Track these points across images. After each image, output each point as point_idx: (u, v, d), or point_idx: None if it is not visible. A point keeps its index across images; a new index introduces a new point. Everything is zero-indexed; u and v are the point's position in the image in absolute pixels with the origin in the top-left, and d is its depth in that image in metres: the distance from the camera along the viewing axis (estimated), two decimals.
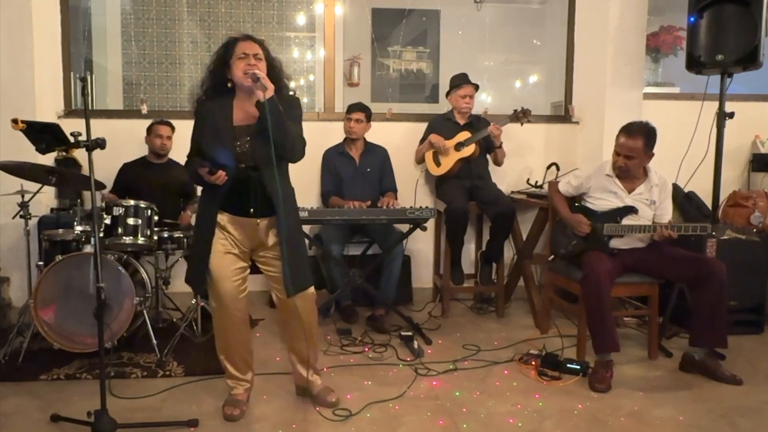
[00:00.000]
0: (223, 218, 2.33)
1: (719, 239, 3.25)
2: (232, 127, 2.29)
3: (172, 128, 3.80)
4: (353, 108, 3.88)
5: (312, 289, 2.44)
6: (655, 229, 2.92)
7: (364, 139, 3.97)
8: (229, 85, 2.32)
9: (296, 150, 2.32)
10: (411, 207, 3.38)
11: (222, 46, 2.35)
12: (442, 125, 4.02)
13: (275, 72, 2.34)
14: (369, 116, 3.90)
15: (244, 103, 2.32)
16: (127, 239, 3.08)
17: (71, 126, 2.44)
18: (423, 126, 4.12)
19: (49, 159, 3.60)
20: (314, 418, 2.41)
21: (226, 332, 2.42)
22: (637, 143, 2.92)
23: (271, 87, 2.19)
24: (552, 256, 3.36)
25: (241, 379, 2.49)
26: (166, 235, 3.32)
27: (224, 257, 2.32)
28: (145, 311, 3.08)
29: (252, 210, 2.31)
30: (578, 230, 3.08)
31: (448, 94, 4.08)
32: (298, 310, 2.39)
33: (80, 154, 3.85)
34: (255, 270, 2.47)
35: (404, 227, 3.61)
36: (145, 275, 3.24)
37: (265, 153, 2.22)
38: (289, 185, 2.39)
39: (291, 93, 2.43)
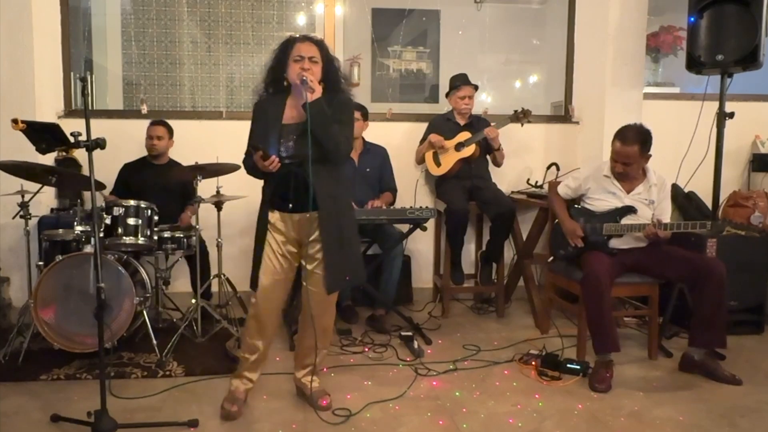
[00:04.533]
0: (274, 216, 2.38)
1: (720, 238, 3.25)
2: (281, 125, 2.34)
3: (167, 128, 3.79)
4: None
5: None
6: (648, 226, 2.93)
7: (363, 138, 3.96)
8: (285, 83, 2.38)
9: (339, 152, 2.35)
10: (411, 207, 3.38)
11: (281, 44, 2.40)
12: (442, 125, 4.02)
13: (332, 73, 2.38)
14: (365, 115, 3.87)
15: (297, 102, 2.36)
16: (128, 239, 3.09)
17: (71, 126, 2.43)
18: (423, 126, 4.13)
19: (49, 159, 3.60)
20: (314, 418, 2.41)
21: (252, 324, 2.46)
22: (632, 149, 2.93)
23: (318, 90, 2.24)
24: (552, 258, 3.36)
25: (247, 378, 2.50)
26: (166, 235, 3.33)
27: (269, 255, 2.37)
28: (145, 311, 3.08)
29: (291, 205, 2.34)
30: (571, 240, 3.09)
31: (447, 94, 4.08)
32: (313, 310, 2.41)
33: (80, 154, 3.85)
34: None
35: (404, 227, 3.61)
36: (145, 275, 3.24)
37: (306, 152, 2.25)
38: (338, 183, 2.40)
39: (347, 95, 2.45)
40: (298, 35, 2.39)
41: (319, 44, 2.36)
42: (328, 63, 2.38)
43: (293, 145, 2.32)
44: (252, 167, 2.36)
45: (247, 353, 2.49)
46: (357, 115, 3.81)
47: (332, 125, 2.28)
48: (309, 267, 2.40)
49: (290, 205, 2.34)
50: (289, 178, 2.32)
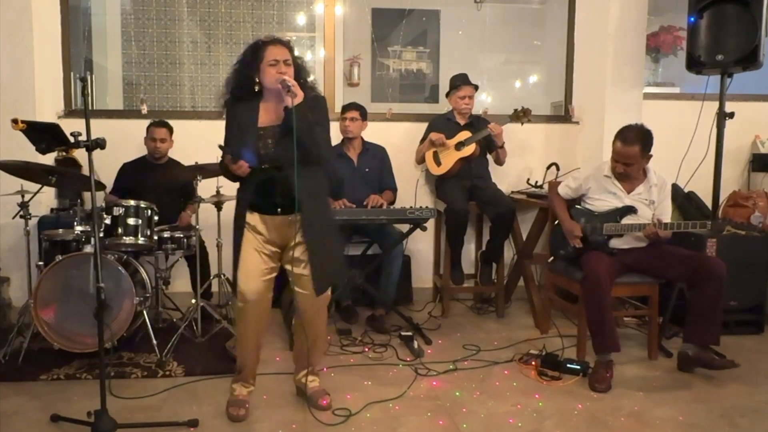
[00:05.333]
0: (253, 218, 2.35)
1: (720, 238, 3.25)
2: (257, 128, 2.32)
3: (169, 129, 3.78)
4: (347, 107, 3.86)
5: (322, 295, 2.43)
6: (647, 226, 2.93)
7: (362, 138, 3.96)
8: (256, 88, 2.33)
9: (322, 154, 2.34)
10: (411, 207, 3.38)
11: (250, 48, 2.35)
12: (442, 125, 4.01)
13: (303, 73, 2.37)
14: (364, 114, 3.87)
15: (271, 106, 2.34)
16: (127, 239, 3.08)
17: (71, 126, 2.43)
18: (423, 126, 4.12)
19: (49, 159, 3.60)
20: (314, 418, 2.40)
21: (248, 333, 2.42)
22: (633, 150, 2.93)
23: (301, 94, 2.22)
24: (552, 258, 3.36)
25: (248, 382, 2.50)
26: (166, 235, 3.32)
27: (253, 257, 2.34)
28: (145, 311, 3.08)
29: (279, 209, 2.32)
30: (570, 240, 3.09)
31: (447, 94, 4.08)
32: (308, 312, 2.41)
33: (80, 154, 3.85)
34: None
35: (404, 227, 3.61)
36: (145, 275, 3.24)
37: (290, 153, 2.24)
38: (318, 184, 2.39)
39: (317, 92, 2.44)
40: (266, 38, 2.34)
41: (288, 46, 2.34)
42: (298, 64, 2.36)
43: (272, 148, 2.30)
44: (226, 170, 2.34)
45: (242, 358, 2.47)
46: (356, 114, 3.83)
47: (315, 129, 2.26)
48: (296, 270, 2.37)
49: (274, 209, 2.31)
50: (271, 182, 2.29)
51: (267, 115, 2.34)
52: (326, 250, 2.36)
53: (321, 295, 2.38)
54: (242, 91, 2.36)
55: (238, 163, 2.24)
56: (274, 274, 2.42)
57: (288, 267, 2.40)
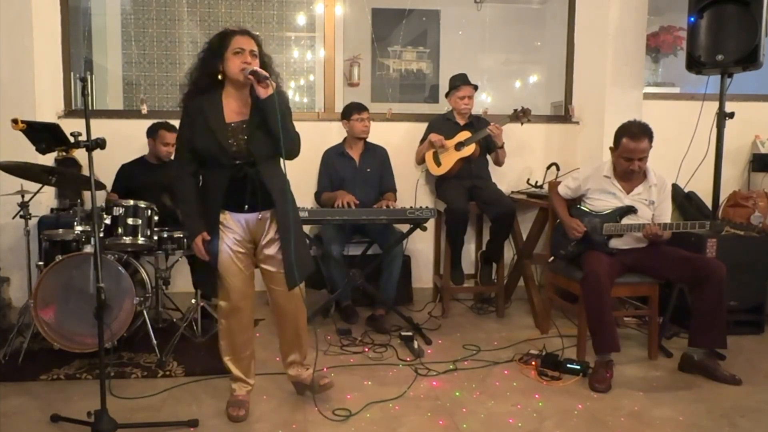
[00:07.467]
0: (225, 217, 2.33)
1: (720, 238, 3.25)
2: (226, 124, 2.27)
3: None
4: (358, 108, 3.83)
5: (297, 288, 2.43)
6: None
7: (364, 139, 3.97)
8: (219, 77, 2.29)
9: (294, 147, 2.33)
10: (411, 207, 3.38)
11: (217, 37, 2.30)
12: (442, 125, 4.01)
13: (267, 68, 2.32)
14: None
15: (234, 100, 2.30)
16: (127, 239, 3.08)
17: (71, 126, 2.44)
18: (423, 126, 4.13)
19: (49, 159, 3.60)
20: (314, 418, 2.40)
21: (233, 332, 2.41)
22: (645, 143, 2.94)
23: (273, 85, 2.20)
24: (552, 258, 3.36)
25: (244, 381, 2.49)
26: (166, 235, 3.32)
27: (230, 256, 2.33)
28: (145, 311, 3.08)
29: (247, 206, 2.31)
30: (571, 234, 3.09)
31: (447, 94, 4.08)
32: (287, 308, 2.42)
33: (80, 154, 3.85)
34: None
35: (404, 227, 3.61)
36: (145, 275, 3.24)
37: (263, 148, 2.24)
38: (284, 177, 2.39)
39: (281, 87, 2.41)
40: (234, 27, 2.30)
41: (256, 38, 2.31)
42: (263, 57, 2.32)
43: (244, 144, 2.26)
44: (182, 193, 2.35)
45: (233, 359, 2.45)
46: (368, 114, 3.86)
47: (288, 120, 2.25)
48: (273, 269, 2.36)
49: (242, 207, 2.30)
50: (244, 178, 2.28)
51: (232, 111, 2.30)
52: (297, 245, 2.36)
53: (295, 289, 2.37)
54: (205, 80, 2.30)
55: (198, 248, 2.29)
56: (253, 270, 2.41)
57: (263, 267, 2.40)
